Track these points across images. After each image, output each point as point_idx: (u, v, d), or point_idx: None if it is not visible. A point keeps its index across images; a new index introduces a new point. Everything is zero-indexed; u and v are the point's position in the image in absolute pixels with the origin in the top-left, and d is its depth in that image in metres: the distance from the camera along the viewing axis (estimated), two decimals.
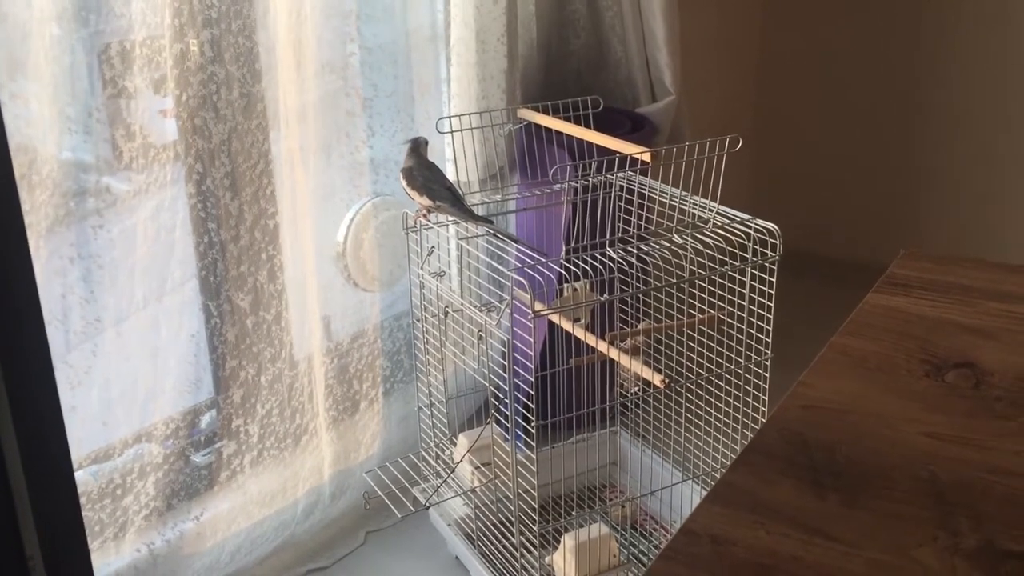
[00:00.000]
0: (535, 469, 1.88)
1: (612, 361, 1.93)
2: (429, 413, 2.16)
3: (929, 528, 0.81)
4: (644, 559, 2.18)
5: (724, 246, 1.89)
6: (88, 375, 1.84)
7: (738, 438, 2.04)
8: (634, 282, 2.12)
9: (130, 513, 1.93)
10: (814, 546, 0.80)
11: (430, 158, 2.04)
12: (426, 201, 1.95)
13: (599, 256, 1.85)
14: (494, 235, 1.97)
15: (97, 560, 1.86)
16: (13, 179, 1.02)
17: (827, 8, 3.55)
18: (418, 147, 2.01)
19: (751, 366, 1.97)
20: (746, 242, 1.89)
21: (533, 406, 1.85)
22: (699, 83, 2.95)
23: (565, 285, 1.97)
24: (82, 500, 1.79)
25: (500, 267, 1.90)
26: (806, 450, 0.92)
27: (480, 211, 2.09)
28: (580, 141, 2.11)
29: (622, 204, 2.11)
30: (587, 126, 2.13)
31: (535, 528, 1.93)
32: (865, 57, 3.52)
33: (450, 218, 2.00)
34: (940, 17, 3.37)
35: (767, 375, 1.96)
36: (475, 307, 1.94)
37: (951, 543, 0.79)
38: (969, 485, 0.86)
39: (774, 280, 1.89)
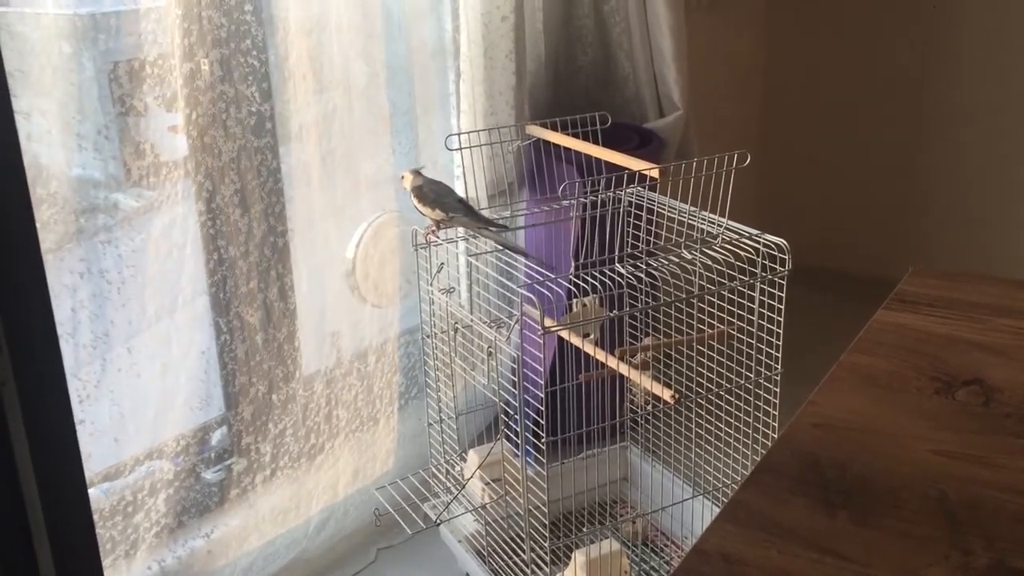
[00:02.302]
0: (546, 485, 1.88)
1: (622, 376, 1.93)
2: (439, 429, 2.17)
3: (940, 547, 0.81)
4: (655, 575, 2.17)
5: (733, 261, 1.90)
6: (98, 390, 1.84)
7: (749, 453, 2.04)
8: (643, 297, 2.12)
9: (141, 530, 1.93)
10: (825, 565, 0.80)
11: (438, 176, 2.05)
12: (439, 215, 1.95)
13: (608, 272, 1.85)
14: (503, 250, 1.98)
15: None
16: (28, 197, 1.03)
17: (833, 22, 3.56)
18: (419, 172, 2.03)
19: (761, 381, 1.97)
20: (755, 257, 1.89)
21: (543, 422, 1.85)
22: (706, 98, 2.96)
23: (574, 301, 1.97)
24: (94, 517, 1.79)
25: (509, 283, 1.91)
26: (817, 468, 0.92)
27: None
28: (588, 157, 2.12)
29: (631, 220, 2.12)
30: (595, 142, 2.14)
31: (546, 544, 1.93)
32: (872, 71, 3.53)
33: (459, 234, 2.00)
34: (946, 29, 3.37)
35: (777, 390, 1.96)
36: (484, 323, 1.95)
37: (962, 562, 0.79)
38: (980, 504, 0.86)
39: (783, 295, 1.89)
